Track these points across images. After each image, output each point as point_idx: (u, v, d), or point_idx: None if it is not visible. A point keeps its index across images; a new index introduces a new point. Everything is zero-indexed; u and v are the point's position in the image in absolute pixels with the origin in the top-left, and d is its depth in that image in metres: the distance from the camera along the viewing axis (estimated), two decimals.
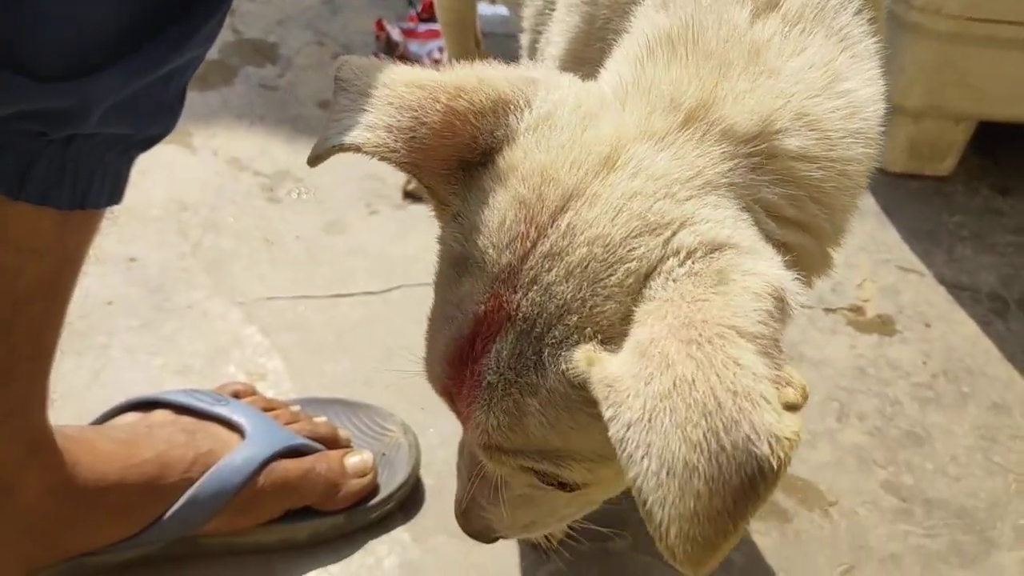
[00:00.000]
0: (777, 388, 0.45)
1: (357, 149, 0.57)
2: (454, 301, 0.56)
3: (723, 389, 0.44)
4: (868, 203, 1.57)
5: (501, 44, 1.80)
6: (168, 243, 1.40)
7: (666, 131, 0.55)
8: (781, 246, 0.57)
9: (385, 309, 1.32)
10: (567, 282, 0.52)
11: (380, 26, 1.85)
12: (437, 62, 1.76)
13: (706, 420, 0.43)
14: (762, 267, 0.51)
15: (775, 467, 0.43)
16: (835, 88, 0.60)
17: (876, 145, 0.63)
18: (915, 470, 1.14)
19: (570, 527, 0.97)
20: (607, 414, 0.46)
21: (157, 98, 0.72)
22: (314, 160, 0.61)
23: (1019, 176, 1.66)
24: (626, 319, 0.51)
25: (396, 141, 0.56)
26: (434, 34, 1.82)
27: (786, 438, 0.43)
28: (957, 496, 1.11)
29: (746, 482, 0.42)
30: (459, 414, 0.59)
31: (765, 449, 0.42)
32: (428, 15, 1.90)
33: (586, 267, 0.51)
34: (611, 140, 0.55)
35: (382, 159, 0.57)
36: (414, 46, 1.81)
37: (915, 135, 1.58)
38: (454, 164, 0.57)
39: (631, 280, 0.51)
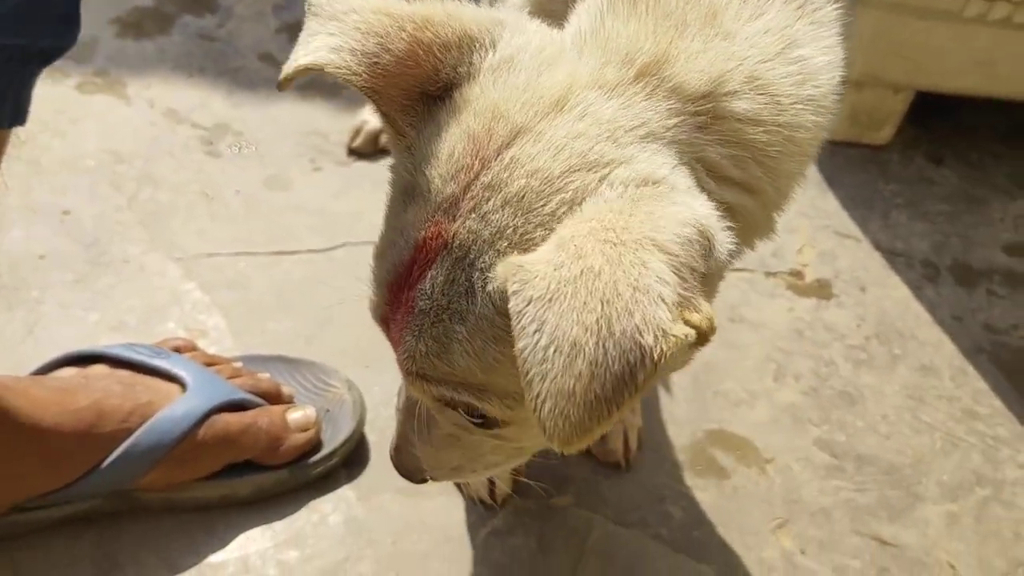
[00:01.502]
0: (682, 306, 0.47)
1: (320, 69, 0.58)
2: (398, 228, 0.58)
3: (625, 283, 0.46)
4: (810, 170, 1.60)
5: None
6: (103, 195, 1.36)
7: (617, 82, 0.57)
8: (721, 206, 0.58)
9: (329, 267, 1.30)
10: (503, 210, 0.53)
11: None
12: None
13: (602, 307, 0.45)
14: (694, 204, 0.53)
15: (655, 359, 0.44)
16: (789, 54, 0.60)
17: (828, 114, 0.64)
18: (847, 428, 1.17)
19: (515, 480, 0.98)
20: (512, 289, 0.48)
21: (50, 7, 0.70)
22: (283, 83, 0.62)
23: (951, 147, 1.71)
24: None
25: (359, 65, 0.57)
26: None
27: (673, 335, 0.45)
28: (886, 453, 1.15)
29: (626, 370, 0.44)
30: (392, 341, 0.61)
31: (650, 340, 0.44)
32: None
33: (522, 197, 0.53)
34: (563, 85, 0.56)
35: (344, 81, 0.57)
36: None
37: (855, 103, 1.61)
38: (415, 95, 0.58)
39: (563, 209, 0.53)
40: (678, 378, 1.20)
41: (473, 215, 0.54)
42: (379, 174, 1.49)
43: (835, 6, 0.64)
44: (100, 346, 1.01)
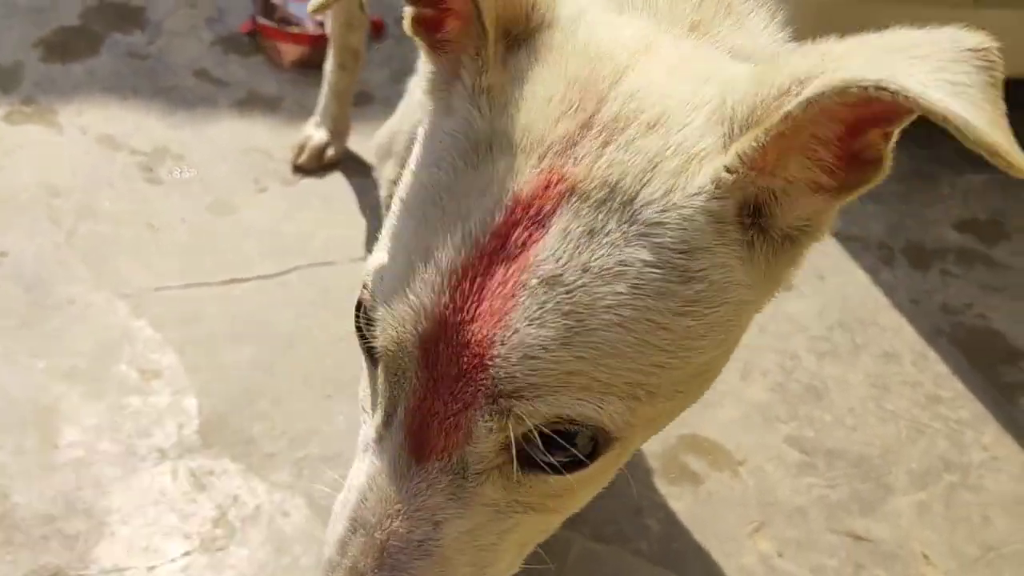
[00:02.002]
0: None
1: None
2: (466, 192, 0.49)
3: (907, 36, 0.45)
4: None
5: (385, 1, 1.73)
6: (41, 232, 1.31)
7: (680, 34, 0.57)
8: None
9: (282, 293, 1.27)
10: (650, 136, 0.49)
11: None
12: (321, 24, 1.68)
13: (926, 52, 0.43)
14: None
15: (990, 46, 0.43)
16: (783, 47, 0.62)
17: None
18: (815, 423, 1.18)
19: None
20: (874, 82, 0.42)
21: None
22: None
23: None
24: (727, 147, 0.49)
25: None
26: None
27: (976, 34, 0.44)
28: (854, 445, 1.16)
29: (985, 74, 0.43)
30: (459, 356, 0.48)
31: (973, 40, 0.43)
32: None
33: (669, 118, 0.49)
34: (642, 33, 0.55)
35: None
36: (294, 7, 1.71)
37: None
38: (500, 31, 0.52)
39: (716, 115, 0.49)
40: None
41: (610, 148, 0.48)
42: (327, 190, 1.47)
43: (783, 6, 0.65)
44: None
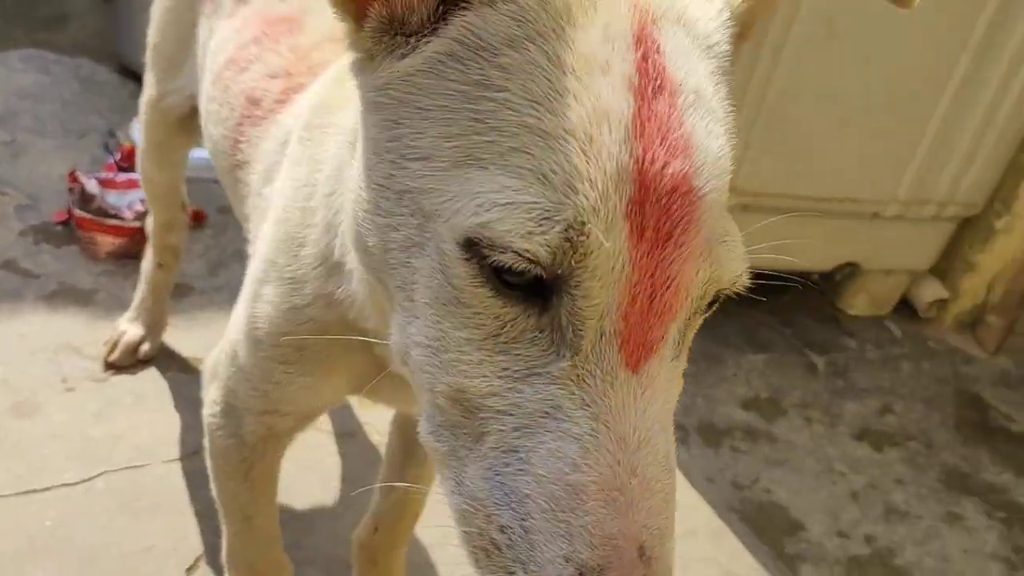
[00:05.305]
0: None
1: None
2: (570, 74, 0.47)
3: None
4: None
5: (207, 190, 1.77)
6: None
7: None
8: None
9: (86, 502, 1.22)
10: None
11: (74, 177, 1.75)
12: (140, 215, 1.69)
13: None
14: None
15: None
16: None
17: None
18: None
19: None
20: None
21: None
22: None
23: None
24: None
25: None
26: (134, 184, 1.75)
27: None
28: None
29: None
30: (657, 214, 0.46)
31: None
32: (128, 164, 1.83)
33: None
34: None
35: None
36: (112, 197, 1.73)
37: None
38: None
39: None
40: None
41: None
42: (141, 388, 1.44)
43: None
44: None
